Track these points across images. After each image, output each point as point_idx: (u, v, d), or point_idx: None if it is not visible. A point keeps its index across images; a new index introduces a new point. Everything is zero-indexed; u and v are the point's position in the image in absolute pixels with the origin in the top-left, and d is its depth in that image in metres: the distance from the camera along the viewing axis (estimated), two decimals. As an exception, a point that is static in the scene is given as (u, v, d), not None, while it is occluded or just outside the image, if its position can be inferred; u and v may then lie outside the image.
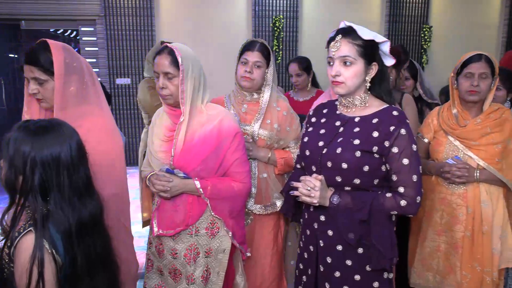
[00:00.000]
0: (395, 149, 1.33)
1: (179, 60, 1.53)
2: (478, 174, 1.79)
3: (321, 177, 1.40)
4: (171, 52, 1.55)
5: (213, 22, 6.74)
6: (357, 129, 1.39)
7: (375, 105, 1.43)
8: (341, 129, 1.43)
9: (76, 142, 1.15)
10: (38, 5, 6.41)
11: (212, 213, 1.61)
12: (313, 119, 1.59)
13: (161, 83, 1.57)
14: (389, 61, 1.45)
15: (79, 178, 1.13)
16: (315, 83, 3.46)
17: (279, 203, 1.91)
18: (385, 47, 1.42)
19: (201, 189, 1.57)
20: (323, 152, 1.41)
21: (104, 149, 1.56)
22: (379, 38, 1.40)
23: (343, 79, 1.38)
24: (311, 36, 6.97)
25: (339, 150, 1.37)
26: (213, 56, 6.35)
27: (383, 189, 1.40)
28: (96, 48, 6.75)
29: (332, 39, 1.41)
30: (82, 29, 6.76)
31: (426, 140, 2.02)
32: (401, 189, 1.34)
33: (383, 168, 1.37)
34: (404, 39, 7.14)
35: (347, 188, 1.39)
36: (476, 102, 1.85)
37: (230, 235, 1.64)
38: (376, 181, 1.38)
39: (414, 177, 1.33)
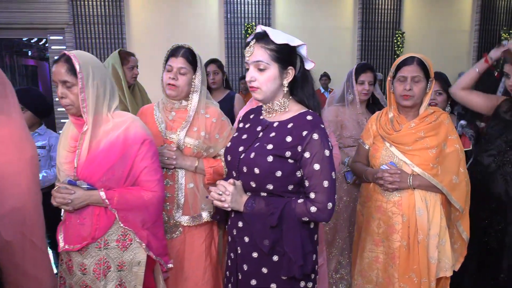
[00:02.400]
0: (307, 154, 1.29)
1: (77, 67, 1.47)
2: (411, 180, 1.70)
3: (237, 182, 1.38)
4: (68, 60, 1.49)
5: (185, 29, 6.67)
6: (273, 134, 1.37)
7: (295, 110, 1.41)
8: (261, 134, 1.42)
9: None
10: (6, 13, 6.26)
11: (121, 225, 1.52)
12: (241, 125, 1.57)
13: (60, 92, 1.51)
14: (309, 65, 1.40)
15: None
16: None
17: (205, 215, 1.81)
18: (303, 51, 1.40)
19: (107, 200, 1.50)
20: (241, 157, 1.39)
21: (6, 160, 1.46)
22: (294, 41, 1.35)
23: (258, 84, 1.36)
24: (284, 43, 6.95)
25: (252, 155, 1.35)
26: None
27: (300, 195, 1.36)
28: (65, 57, 6.61)
29: (247, 44, 1.38)
30: (51, 37, 6.64)
31: (366, 147, 1.94)
32: (312, 195, 1.30)
33: (298, 173, 1.32)
34: (377, 45, 7.16)
35: (263, 194, 1.36)
36: (412, 107, 1.78)
37: (144, 246, 1.57)
38: (290, 187, 1.33)
39: (326, 183, 1.28)
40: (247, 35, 6.74)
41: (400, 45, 7.07)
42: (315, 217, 1.29)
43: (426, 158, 1.71)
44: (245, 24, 6.78)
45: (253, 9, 6.82)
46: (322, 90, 6.80)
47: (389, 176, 1.70)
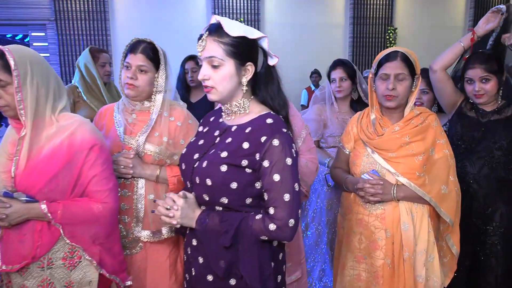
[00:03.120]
0: (266, 163, 1.12)
1: (11, 64, 1.28)
2: (395, 191, 1.53)
3: (190, 194, 1.23)
4: (2, 56, 1.30)
5: (172, 25, 6.47)
6: (229, 140, 1.21)
7: (256, 112, 1.24)
8: (218, 139, 1.26)
9: None
10: (-17, 9, 6.03)
11: (68, 241, 1.35)
12: (200, 128, 1.41)
13: None
14: (273, 60, 1.23)
15: None
16: None
17: (165, 231, 1.63)
18: (265, 44, 1.22)
19: (49, 214, 1.33)
20: (195, 166, 1.24)
21: None
22: (253, 33, 1.18)
23: (212, 84, 1.19)
24: (273, 40, 6.73)
25: (204, 164, 1.20)
26: (173, 60, 6.04)
27: (261, 209, 1.19)
28: (48, 54, 6.40)
29: (200, 37, 1.20)
30: (33, 34, 6.41)
31: (347, 151, 1.76)
32: (272, 210, 1.13)
33: (257, 185, 1.16)
34: (369, 41, 6.99)
35: (218, 208, 1.20)
36: (396, 108, 1.60)
37: (95, 264, 1.42)
38: (248, 200, 1.17)
39: (287, 196, 1.11)
40: (236, 32, 6.56)
41: (393, 41, 6.91)
42: (275, 236, 1.13)
43: (411, 166, 1.53)
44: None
45: (242, 4, 6.62)
46: (313, 88, 6.63)
47: (371, 187, 1.53)
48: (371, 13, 6.97)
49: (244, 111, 1.22)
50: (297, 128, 1.79)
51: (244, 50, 1.16)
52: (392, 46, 7.18)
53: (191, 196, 1.22)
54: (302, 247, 1.88)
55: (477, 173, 1.86)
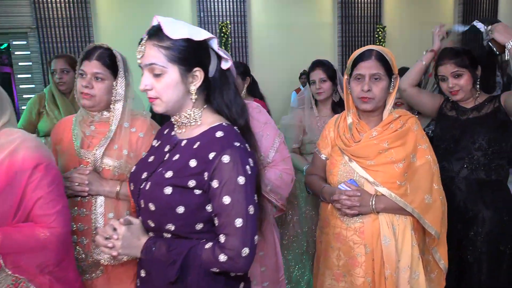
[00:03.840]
0: (215, 183, 0.98)
1: None
2: (374, 203, 1.40)
3: (135, 220, 1.09)
4: None
5: (156, 30, 6.34)
6: (176, 157, 1.07)
7: (208, 123, 1.09)
8: (167, 155, 1.11)
9: None
10: (-37, 18, 5.89)
11: (10, 272, 1.22)
12: (154, 142, 1.26)
13: None
14: (226, 63, 1.09)
15: None
16: (253, 91, 3.07)
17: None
18: (215, 45, 1.09)
19: None
20: (141, 187, 1.09)
21: None
22: (199, 34, 1.04)
23: (155, 94, 1.04)
24: (260, 41, 6.63)
25: (148, 186, 1.06)
26: (158, 66, 5.91)
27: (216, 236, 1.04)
28: (30, 63, 6.27)
29: (140, 41, 1.07)
30: (14, 42, 6.27)
31: (323, 157, 1.64)
32: (222, 238, 0.98)
33: (209, 208, 1.01)
34: (358, 40, 6.90)
35: (167, 235, 1.06)
36: (373, 111, 1.48)
37: None
38: (199, 226, 1.02)
39: (238, 222, 0.96)
40: (222, 34, 6.44)
41: (382, 40, 6.81)
42: (226, 267, 0.98)
43: (391, 174, 1.41)
44: (220, 23, 6.47)
45: (228, 6, 6.51)
46: (302, 89, 6.52)
47: (347, 199, 1.40)
48: (360, 11, 6.87)
49: (196, 123, 1.08)
50: (270, 137, 1.67)
51: (190, 54, 1.02)
52: (382, 45, 7.13)
53: (137, 221, 1.08)
54: (281, 263, 1.75)
55: (456, 175, 1.77)
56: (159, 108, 1.06)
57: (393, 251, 1.39)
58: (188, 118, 1.07)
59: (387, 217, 1.41)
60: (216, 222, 0.99)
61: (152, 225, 1.05)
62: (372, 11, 6.88)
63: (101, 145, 1.51)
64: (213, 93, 1.08)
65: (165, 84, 1.01)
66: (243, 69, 2.89)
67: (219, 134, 1.02)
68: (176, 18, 1.17)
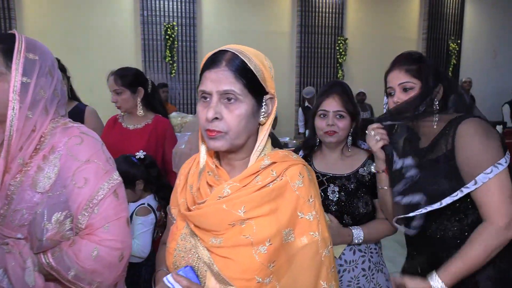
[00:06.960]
0: None
1: None
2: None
3: None
4: None
5: (92, 28, 5.64)
6: None
7: None
8: None
9: None
10: None
11: None
12: None
13: None
14: None
15: None
16: (152, 105, 2.42)
17: None
18: None
19: None
20: None
21: None
22: None
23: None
24: (212, 46, 6.00)
25: None
26: (94, 68, 5.17)
27: None
28: None
29: None
30: None
31: (174, 220, 1.01)
32: None
33: None
34: (319, 52, 6.41)
35: None
36: (235, 152, 0.87)
37: None
38: None
39: None
40: (167, 37, 5.80)
41: (343, 52, 6.34)
42: None
43: (247, 264, 0.79)
44: (165, 24, 5.83)
45: (175, 6, 5.88)
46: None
47: None
48: (320, 21, 6.39)
49: None
50: (88, 185, 1.01)
51: None
52: (343, 58, 6.66)
53: None
54: None
55: None
56: None
57: None
58: None
59: None
60: None
61: None
62: (333, 22, 6.41)
63: None
64: None
65: None
66: (132, 78, 2.24)
67: None
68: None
